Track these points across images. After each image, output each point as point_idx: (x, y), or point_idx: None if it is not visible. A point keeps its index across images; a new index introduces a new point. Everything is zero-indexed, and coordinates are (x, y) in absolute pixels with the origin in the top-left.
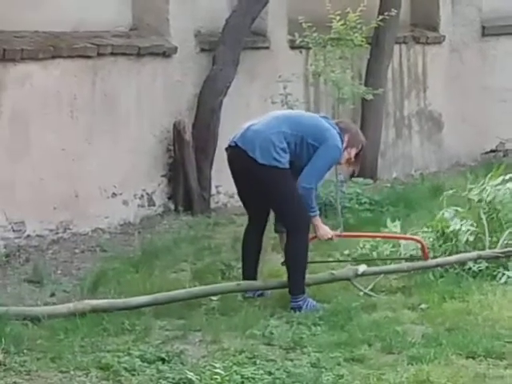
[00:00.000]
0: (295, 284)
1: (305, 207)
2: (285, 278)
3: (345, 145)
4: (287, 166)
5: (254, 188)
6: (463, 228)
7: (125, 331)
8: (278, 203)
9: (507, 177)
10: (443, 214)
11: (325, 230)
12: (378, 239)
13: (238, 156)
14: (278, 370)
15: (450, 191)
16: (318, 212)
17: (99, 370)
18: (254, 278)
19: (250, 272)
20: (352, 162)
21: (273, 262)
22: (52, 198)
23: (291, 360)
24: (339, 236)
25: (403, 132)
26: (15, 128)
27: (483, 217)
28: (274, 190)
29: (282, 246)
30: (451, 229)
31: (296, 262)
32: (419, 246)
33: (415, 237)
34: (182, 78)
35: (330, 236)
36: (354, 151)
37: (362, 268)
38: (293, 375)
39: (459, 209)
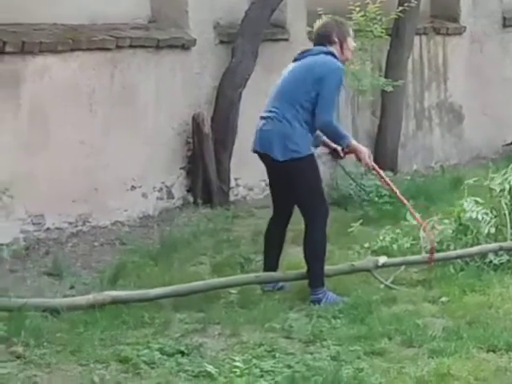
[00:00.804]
0: (314, 276)
1: (325, 200)
2: (304, 269)
3: (339, 46)
4: (309, 151)
5: (283, 183)
6: (479, 216)
7: (144, 324)
8: (300, 194)
9: None
10: (462, 204)
11: (366, 151)
12: (398, 231)
13: (263, 158)
14: (297, 363)
15: (471, 180)
16: (350, 136)
17: (119, 362)
18: (275, 271)
19: (271, 264)
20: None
21: (292, 254)
22: (71, 191)
23: (311, 353)
24: (373, 168)
25: (423, 124)
26: (34, 121)
27: (505, 207)
28: (298, 181)
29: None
30: (468, 216)
31: (315, 254)
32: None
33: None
34: (201, 71)
35: (368, 161)
36: (350, 41)
37: (383, 259)
38: (312, 368)
39: (479, 199)
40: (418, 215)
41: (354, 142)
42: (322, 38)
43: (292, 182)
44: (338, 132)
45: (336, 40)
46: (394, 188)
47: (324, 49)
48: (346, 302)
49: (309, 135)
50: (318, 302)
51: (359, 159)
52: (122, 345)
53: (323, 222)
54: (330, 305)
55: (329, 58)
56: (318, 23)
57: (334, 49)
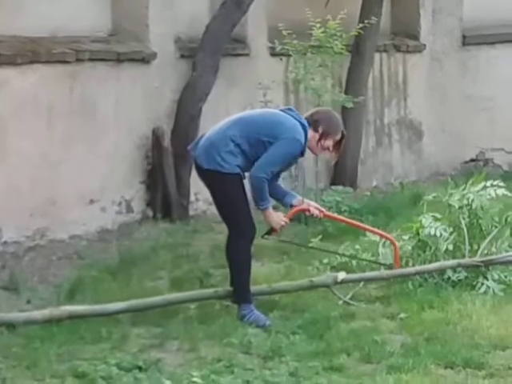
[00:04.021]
0: (238, 292)
1: (249, 216)
2: (263, 284)
3: (318, 137)
4: (235, 170)
5: (211, 193)
6: (438, 232)
7: (102, 339)
8: (222, 208)
9: (488, 183)
10: (421, 220)
11: (277, 217)
12: (357, 247)
13: (194, 163)
14: (255, 378)
15: (430, 196)
16: (269, 205)
17: (75, 378)
18: None
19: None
20: (332, 151)
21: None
22: (29, 205)
23: (269, 369)
24: (322, 213)
25: (383, 140)
26: None
27: (463, 223)
28: (218, 194)
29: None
30: (426, 232)
31: (238, 271)
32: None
33: (390, 237)
34: (161, 84)
35: (283, 223)
36: (329, 142)
37: (342, 275)
38: None
39: (437, 214)
40: (387, 234)
41: (269, 211)
42: (311, 119)
43: (212, 193)
44: (262, 193)
45: (320, 131)
46: (360, 224)
47: (305, 122)
48: (267, 326)
49: (239, 159)
50: (243, 317)
51: (278, 224)
52: (78, 360)
53: (246, 242)
54: (256, 324)
55: (300, 129)
56: (323, 108)
57: (312, 135)
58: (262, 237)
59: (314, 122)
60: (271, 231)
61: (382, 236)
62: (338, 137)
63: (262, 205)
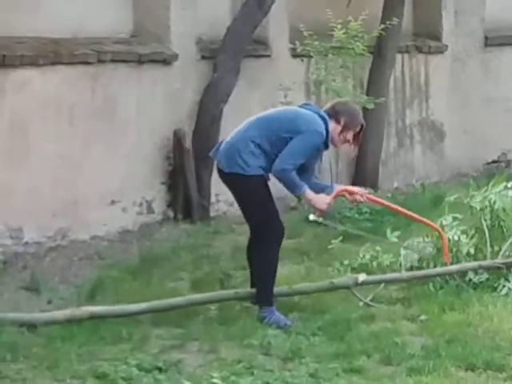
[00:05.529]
0: (262, 295)
1: (277, 217)
2: (286, 286)
3: (340, 129)
4: (258, 172)
5: (234, 196)
6: (458, 236)
7: (122, 340)
8: (248, 211)
9: (510, 184)
10: (441, 221)
11: (320, 199)
12: (378, 248)
13: (216, 168)
14: (275, 380)
15: (452, 197)
16: (306, 186)
17: (96, 378)
18: None
19: (253, 280)
20: (351, 143)
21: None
22: (50, 205)
23: (289, 370)
24: (365, 197)
25: (405, 141)
26: (14, 134)
27: (485, 225)
28: (243, 197)
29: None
30: (447, 234)
31: (264, 272)
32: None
33: (437, 226)
34: (183, 86)
35: (327, 204)
36: (350, 134)
37: (362, 277)
38: None
39: (458, 215)
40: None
41: (308, 192)
42: (332, 111)
43: (236, 197)
44: (292, 182)
45: (342, 123)
46: (405, 211)
47: (324, 115)
48: (288, 326)
49: (261, 159)
50: (263, 319)
51: (323, 206)
52: (99, 360)
53: (275, 242)
54: (277, 325)
55: (319, 121)
56: (342, 99)
57: (333, 127)
58: (308, 220)
59: (335, 113)
60: (318, 212)
61: (427, 225)
62: (358, 128)
63: (298, 191)
